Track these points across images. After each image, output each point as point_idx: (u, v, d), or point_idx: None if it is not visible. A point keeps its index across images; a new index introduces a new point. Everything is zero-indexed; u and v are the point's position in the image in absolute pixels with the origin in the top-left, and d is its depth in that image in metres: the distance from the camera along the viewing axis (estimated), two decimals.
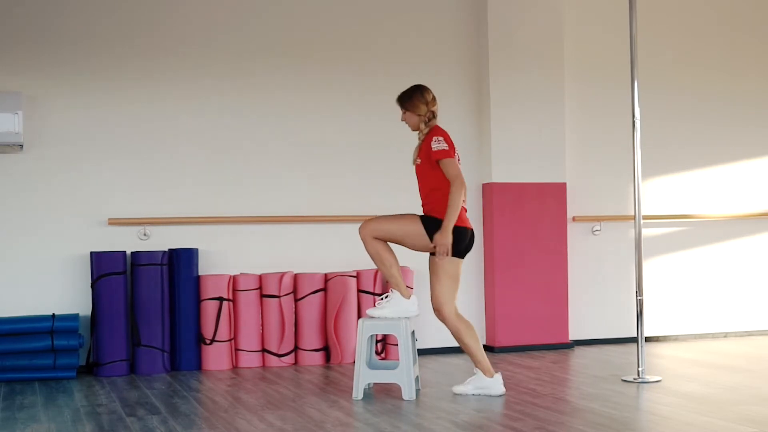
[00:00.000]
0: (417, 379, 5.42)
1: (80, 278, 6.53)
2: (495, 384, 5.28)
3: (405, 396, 5.18)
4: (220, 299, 6.54)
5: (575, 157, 7.53)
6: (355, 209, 7.01)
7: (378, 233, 5.23)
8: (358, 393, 5.24)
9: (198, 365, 6.55)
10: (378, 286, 6.84)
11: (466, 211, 5.30)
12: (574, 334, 7.45)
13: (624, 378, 5.73)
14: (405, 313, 5.29)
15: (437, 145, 5.16)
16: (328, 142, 7.06)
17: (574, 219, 7.48)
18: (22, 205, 6.48)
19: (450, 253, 5.12)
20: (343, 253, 6.94)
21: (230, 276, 6.63)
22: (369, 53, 7.19)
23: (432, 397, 5.28)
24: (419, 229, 5.18)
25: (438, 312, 5.27)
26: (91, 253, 6.38)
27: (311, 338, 6.73)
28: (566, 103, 7.45)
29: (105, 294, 6.31)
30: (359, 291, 6.81)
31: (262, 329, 6.67)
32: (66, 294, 6.50)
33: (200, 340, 6.56)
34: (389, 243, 5.29)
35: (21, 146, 6.34)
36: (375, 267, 6.77)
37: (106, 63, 6.66)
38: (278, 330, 6.65)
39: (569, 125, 7.49)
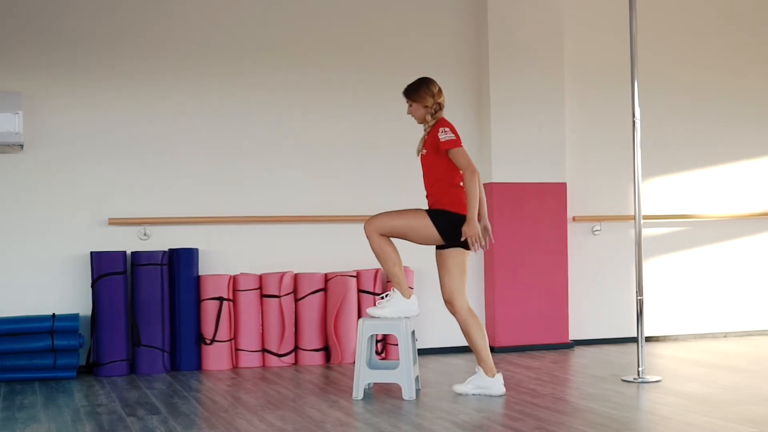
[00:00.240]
0: (417, 379, 5.42)
1: (80, 278, 6.53)
2: (496, 384, 5.28)
3: (405, 396, 5.18)
4: (220, 299, 6.54)
5: (575, 157, 7.53)
6: (355, 209, 7.01)
7: (383, 229, 5.23)
8: (358, 393, 5.24)
9: (198, 365, 6.55)
10: (378, 286, 6.84)
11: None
12: (574, 334, 7.45)
13: (624, 378, 5.73)
14: (405, 312, 5.29)
15: (445, 135, 5.17)
16: (328, 142, 7.06)
17: (574, 219, 7.48)
18: (22, 205, 6.48)
19: (482, 242, 5.16)
20: (343, 253, 6.95)
21: (230, 276, 6.63)
22: (369, 53, 7.19)
23: (432, 397, 5.28)
24: (426, 222, 5.19)
25: (449, 304, 5.28)
26: (91, 253, 6.39)
27: (311, 338, 6.73)
28: (566, 103, 7.45)
29: (105, 294, 6.31)
30: (359, 291, 6.81)
31: (262, 329, 6.67)
32: (66, 294, 6.50)
33: (200, 340, 6.56)
34: (395, 239, 5.29)
35: (21, 146, 6.34)
36: (375, 267, 6.77)
37: (106, 63, 6.66)
38: (278, 330, 6.66)
39: (569, 125, 7.49)
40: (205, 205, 6.80)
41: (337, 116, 7.11)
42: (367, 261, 6.55)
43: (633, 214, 5.99)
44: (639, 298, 5.78)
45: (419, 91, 5.32)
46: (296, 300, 6.74)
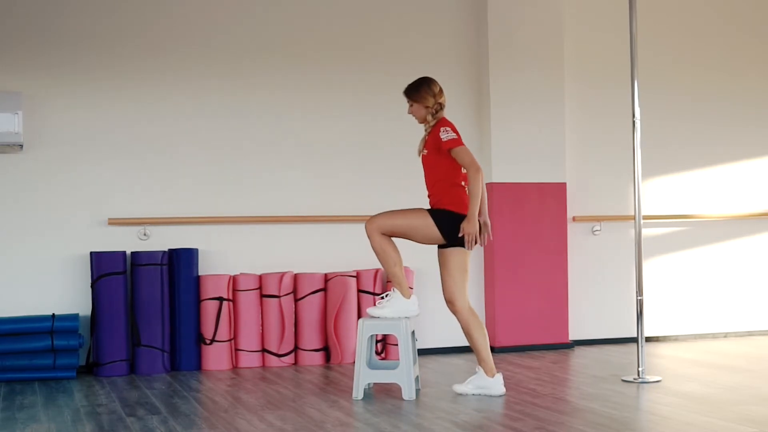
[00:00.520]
0: (417, 379, 5.42)
1: (80, 278, 6.53)
2: (495, 384, 5.28)
3: (405, 396, 5.18)
4: (220, 299, 6.54)
5: (575, 157, 7.53)
6: (355, 209, 7.01)
7: (385, 228, 5.23)
8: (358, 393, 5.24)
9: (198, 365, 6.55)
10: (378, 286, 6.84)
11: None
12: (574, 334, 7.45)
13: (624, 378, 5.73)
14: (405, 312, 5.29)
15: (446, 135, 5.17)
16: (328, 142, 7.06)
17: (574, 219, 7.48)
18: (22, 205, 6.48)
19: (478, 240, 5.17)
20: (343, 253, 6.94)
21: (230, 276, 6.63)
22: (369, 53, 7.19)
23: (432, 397, 5.28)
24: (427, 221, 5.19)
25: (450, 304, 5.28)
26: (91, 253, 6.39)
27: (311, 338, 6.73)
28: (566, 103, 7.45)
29: (105, 294, 6.31)
30: (359, 291, 6.81)
31: (262, 329, 6.67)
32: (66, 294, 6.50)
33: (200, 340, 6.56)
34: (396, 238, 5.29)
35: (21, 146, 6.34)
36: (375, 267, 6.77)
37: (106, 63, 6.66)
38: (278, 330, 6.65)
39: (569, 125, 7.49)
40: (205, 205, 6.80)
41: (337, 116, 7.11)
42: (367, 261, 6.55)
43: (633, 214, 5.99)
44: (639, 298, 5.78)
45: (420, 91, 5.32)
46: (296, 300, 6.74)
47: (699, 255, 7.87)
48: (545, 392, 5.37)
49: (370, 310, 5.33)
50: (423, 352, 6.93)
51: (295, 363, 6.73)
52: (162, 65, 6.76)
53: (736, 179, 7.99)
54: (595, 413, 4.73)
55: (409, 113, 5.41)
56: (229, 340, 6.58)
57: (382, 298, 5.35)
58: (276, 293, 6.63)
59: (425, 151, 5.31)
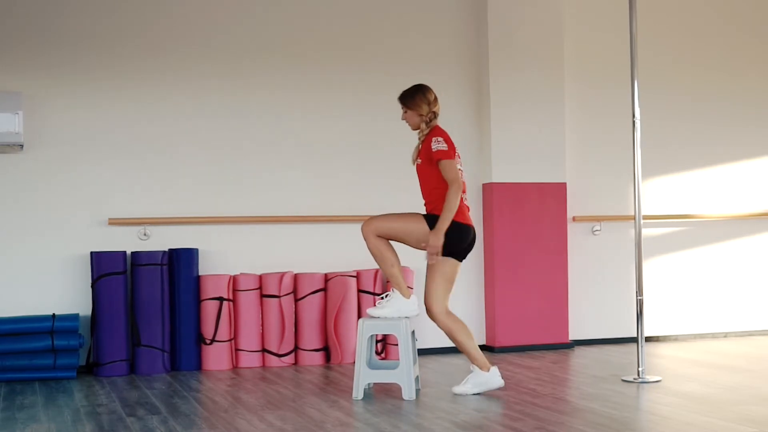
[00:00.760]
0: (417, 379, 5.42)
1: (80, 278, 6.53)
2: (493, 377, 5.29)
3: (405, 396, 5.18)
4: (220, 299, 6.54)
5: (575, 157, 7.53)
6: (355, 209, 7.01)
7: (381, 231, 5.24)
8: (358, 393, 5.24)
9: (198, 365, 6.55)
10: (378, 286, 6.84)
11: (468, 209, 5.32)
12: (574, 334, 7.45)
13: (624, 378, 5.73)
14: (405, 312, 5.29)
15: (437, 145, 5.18)
16: (328, 142, 7.06)
17: (574, 219, 7.48)
18: (22, 205, 6.48)
19: (441, 254, 5.14)
20: (343, 253, 6.94)
21: (230, 276, 6.63)
22: (369, 53, 7.19)
23: (432, 397, 5.28)
24: (423, 227, 5.20)
25: (428, 311, 5.30)
26: (91, 253, 6.39)
27: (311, 338, 6.73)
28: (566, 103, 7.45)
29: (105, 294, 6.31)
30: (359, 291, 6.81)
31: (262, 329, 6.67)
32: (66, 294, 6.50)
33: (200, 340, 6.56)
34: (392, 241, 5.30)
35: (21, 146, 6.34)
36: (375, 267, 6.77)
37: (106, 63, 6.66)
38: (278, 330, 6.65)
39: (569, 125, 7.49)
40: (205, 205, 6.80)
41: (337, 116, 7.11)
42: (367, 261, 6.53)
43: (633, 214, 5.99)
44: (639, 298, 5.78)
45: (415, 98, 5.32)
46: (296, 300, 6.74)
47: (699, 255, 7.87)
48: (545, 392, 5.37)
49: (370, 311, 5.33)
50: (423, 352, 6.93)
51: (295, 363, 6.73)
52: (162, 65, 6.76)
53: (736, 179, 7.99)
54: (595, 413, 4.73)
55: (402, 119, 5.41)
56: (229, 340, 6.58)
57: (382, 298, 5.35)
58: (276, 293, 6.63)
59: (419, 160, 5.31)
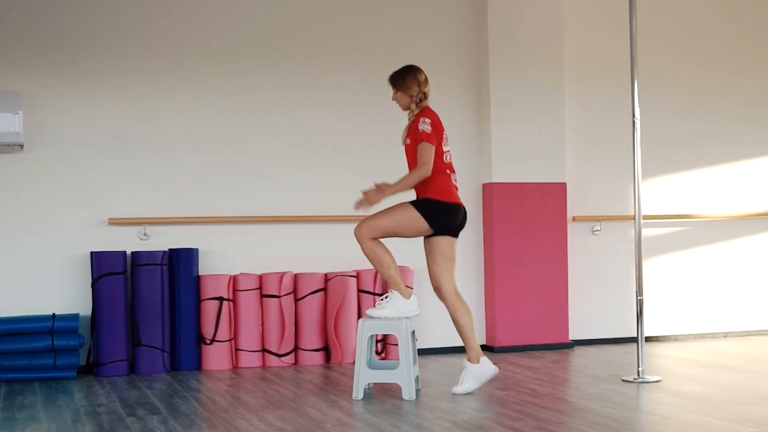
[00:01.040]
0: (417, 379, 5.42)
1: (80, 278, 6.53)
2: (485, 367, 5.31)
3: (405, 396, 5.18)
4: (220, 299, 6.54)
5: (575, 157, 7.53)
6: (355, 209, 6.99)
7: (374, 232, 5.24)
8: (358, 393, 5.24)
9: (198, 365, 6.55)
10: (378, 286, 6.84)
11: (457, 189, 5.35)
12: (574, 334, 7.45)
13: (624, 378, 5.73)
14: (405, 313, 5.29)
15: (423, 126, 5.23)
16: (328, 142, 7.06)
17: (574, 219, 7.48)
18: (22, 205, 6.48)
19: (370, 205, 5.25)
20: (343, 253, 6.94)
21: (230, 276, 6.63)
22: (369, 53, 7.19)
23: (432, 397, 5.28)
24: (413, 214, 5.23)
25: (437, 290, 5.32)
26: (91, 253, 6.39)
27: (311, 338, 6.73)
28: (566, 103, 7.45)
29: (105, 294, 6.31)
30: (359, 291, 6.81)
31: (262, 329, 6.67)
32: (66, 294, 6.50)
33: (200, 340, 6.56)
34: (389, 238, 5.30)
35: (21, 146, 6.34)
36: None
37: (106, 63, 6.66)
38: (278, 330, 6.65)
39: (569, 125, 7.49)
40: (205, 205, 6.80)
41: (337, 116, 7.11)
42: (367, 261, 6.54)
43: (633, 214, 5.99)
44: (639, 298, 5.78)
45: (405, 79, 5.35)
46: (296, 300, 6.74)
47: (699, 255, 7.87)
48: (545, 392, 5.37)
49: (370, 311, 5.34)
50: (423, 352, 6.93)
51: (295, 363, 6.73)
52: (162, 65, 6.76)
53: (736, 179, 7.99)
54: (595, 413, 4.73)
55: (393, 100, 5.44)
56: (229, 340, 6.58)
57: (382, 298, 5.35)
58: (276, 293, 6.63)
59: (408, 140, 5.34)
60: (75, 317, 6.27)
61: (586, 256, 7.54)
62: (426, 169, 5.19)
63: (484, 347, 7.23)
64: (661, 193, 7.76)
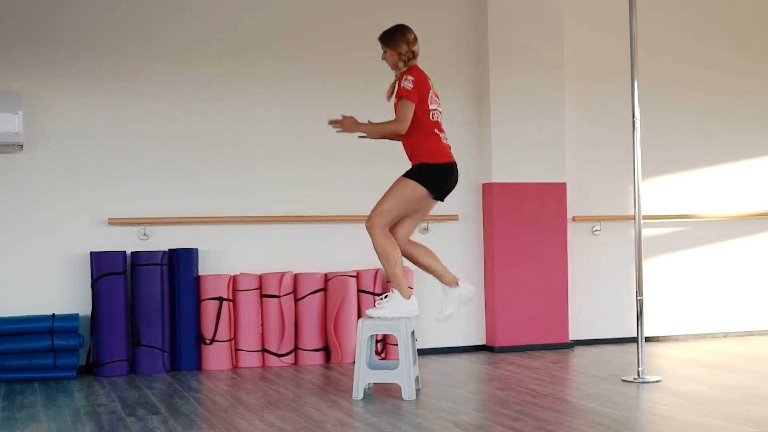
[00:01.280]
0: (417, 379, 5.42)
1: (80, 278, 6.53)
2: (463, 288, 5.34)
3: (405, 396, 5.18)
4: (220, 299, 6.54)
5: (575, 157, 7.53)
6: (355, 209, 7.00)
7: (383, 217, 5.21)
8: (358, 393, 5.24)
9: (198, 365, 6.55)
10: (378, 286, 6.84)
11: (449, 147, 5.33)
12: (574, 334, 7.45)
13: (624, 378, 5.73)
14: (405, 313, 5.29)
15: (405, 83, 5.21)
16: (328, 142, 7.04)
17: (574, 219, 7.48)
18: (22, 205, 6.48)
19: (343, 128, 5.36)
20: (343, 253, 6.94)
21: (230, 276, 6.63)
22: (369, 53, 7.13)
23: (432, 397, 5.28)
24: (411, 185, 5.22)
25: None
26: (91, 253, 6.38)
27: (311, 338, 6.73)
28: (566, 103, 7.45)
29: (105, 294, 6.31)
30: (359, 291, 6.81)
31: (262, 329, 6.67)
32: (66, 294, 6.50)
33: (200, 340, 6.56)
34: (402, 221, 5.29)
35: (21, 146, 6.34)
36: (375, 267, 6.77)
37: (106, 63, 6.66)
38: (278, 330, 6.65)
39: (569, 125, 7.49)
40: (205, 205, 6.80)
41: (337, 116, 7.08)
42: (367, 261, 6.56)
43: (633, 214, 5.99)
44: (639, 298, 5.78)
45: (395, 37, 5.37)
46: (296, 300, 6.74)
47: (699, 255, 7.87)
48: (545, 392, 5.36)
49: (370, 311, 5.33)
50: (423, 352, 6.93)
51: (295, 363, 6.72)
52: (162, 65, 6.76)
53: (736, 179, 7.98)
54: (595, 413, 4.73)
55: (382, 59, 5.43)
56: (229, 340, 6.58)
57: (382, 298, 5.35)
58: (276, 293, 6.63)
59: (395, 99, 5.33)
60: (75, 317, 6.27)
61: (586, 256, 7.54)
62: (401, 125, 5.16)
63: (484, 347, 7.24)
64: (661, 193, 7.76)
